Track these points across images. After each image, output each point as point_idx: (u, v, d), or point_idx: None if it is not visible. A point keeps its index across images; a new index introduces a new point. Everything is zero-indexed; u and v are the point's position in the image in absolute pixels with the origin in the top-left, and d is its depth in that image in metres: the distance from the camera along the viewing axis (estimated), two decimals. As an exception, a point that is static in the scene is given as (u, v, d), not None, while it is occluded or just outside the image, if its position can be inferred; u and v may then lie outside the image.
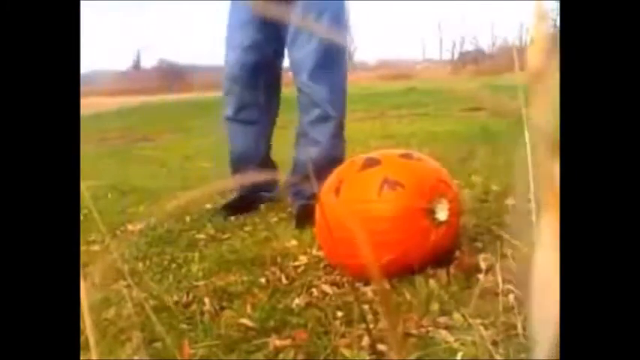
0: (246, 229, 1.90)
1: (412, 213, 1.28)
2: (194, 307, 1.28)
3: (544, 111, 0.20)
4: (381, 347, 1.01)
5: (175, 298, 1.34)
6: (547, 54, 0.19)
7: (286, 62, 2.06)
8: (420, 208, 1.29)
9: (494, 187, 2.05)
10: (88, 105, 9.86)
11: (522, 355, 0.93)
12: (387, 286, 1.23)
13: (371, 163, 1.35)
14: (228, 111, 2.08)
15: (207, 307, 1.26)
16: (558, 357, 0.21)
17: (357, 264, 1.29)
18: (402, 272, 1.28)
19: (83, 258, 1.64)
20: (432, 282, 1.25)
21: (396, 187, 1.29)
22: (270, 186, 2.20)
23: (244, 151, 2.12)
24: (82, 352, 0.53)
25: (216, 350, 1.07)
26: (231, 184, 1.52)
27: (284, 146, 2.24)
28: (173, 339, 1.11)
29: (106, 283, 1.44)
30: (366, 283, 1.29)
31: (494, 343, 0.97)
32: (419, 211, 1.29)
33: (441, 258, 1.34)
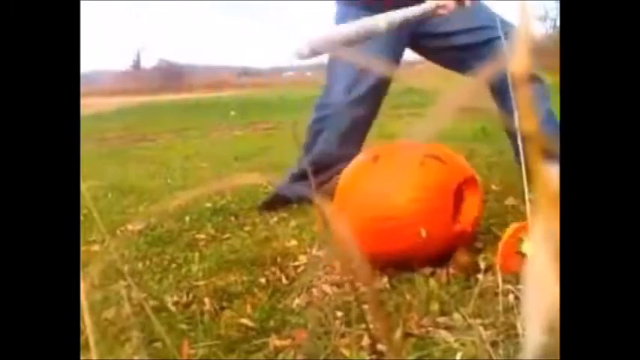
0: (246, 229, 1.90)
1: (447, 190, 1.32)
2: (194, 307, 1.28)
3: (529, 114, 0.20)
4: (380, 347, 1.01)
5: (175, 298, 1.34)
6: (531, 56, 0.19)
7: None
8: (454, 189, 1.33)
9: (494, 187, 2.05)
10: (87, 105, 9.86)
11: (522, 355, 0.93)
12: (379, 287, 1.23)
13: (412, 144, 1.39)
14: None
15: (207, 307, 1.26)
16: (556, 356, 0.21)
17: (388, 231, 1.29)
18: (418, 254, 1.30)
19: (83, 258, 1.64)
20: (432, 282, 1.25)
21: (438, 160, 1.34)
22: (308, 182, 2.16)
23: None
24: (82, 352, 0.53)
25: (216, 350, 1.07)
26: (229, 184, 1.52)
27: (281, 147, 2.23)
28: (173, 339, 1.11)
29: (105, 283, 1.44)
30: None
31: (494, 344, 0.97)
32: (453, 192, 1.33)
33: (440, 257, 1.34)
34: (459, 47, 1.94)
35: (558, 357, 0.21)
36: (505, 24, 1.88)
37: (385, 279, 1.29)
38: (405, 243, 1.29)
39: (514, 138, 2.12)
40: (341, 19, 1.97)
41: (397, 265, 1.32)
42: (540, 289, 0.20)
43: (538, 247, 0.20)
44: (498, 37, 1.83)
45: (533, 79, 1.87)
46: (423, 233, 1.27)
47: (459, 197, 1.38)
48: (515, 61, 0.19)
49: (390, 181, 1.32)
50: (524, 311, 0.19)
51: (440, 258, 1.32)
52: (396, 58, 2.01)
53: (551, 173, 0.20)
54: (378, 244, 1.28)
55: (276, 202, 2.12)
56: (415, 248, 1.29)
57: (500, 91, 1.97)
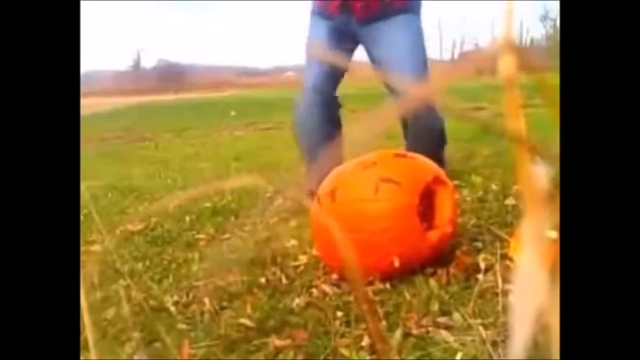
0: (246, 229, 1.90)
1: (409, 210, 1.28)
2: (194, 307, 1.28)
3: (517, 116, 0.20)
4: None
5: (175, 298, 1.34)
6: (518, 56, 0.19)
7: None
8: (417, 205, 1.29)
9: (494, 187, 2.05)
10: (87, 105, 9.85)
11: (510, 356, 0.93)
12: (369, 292, 1.23)
13: (365, 165, 1.35)
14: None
15: (207, 307, 1.26)
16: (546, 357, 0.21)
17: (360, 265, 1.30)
18: (403, 273, 1.28)
19: (83, 258, 1.64)
20: (432, 282, 1.25)
21: (392, 184, 1.29)
22: None
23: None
24: (82, 352, 0.53)
25: (216, 350, 1.07)
26: (229, 184, 1.52)
27: (281, 147, 2.23)
28: (173, 339, 1.11)
29: (105, 283, 1.44)
30: (368, 283, 1.29)
31: (494, 344, 0.97)
32: (416, 208, 1.29)
33: (441, 257, 1.34)
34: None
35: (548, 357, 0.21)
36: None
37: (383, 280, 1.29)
38: (382, 265, 1.26)
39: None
40: (313, 31, 2.25)
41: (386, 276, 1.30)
42: (528, 292, 0.20)
43: (526, 249, 0.20)
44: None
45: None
46: (397, 263, 1.24)
47: (431, 200, 1.36)
48: (503, 63, 0.19)
49: (349, 219, 1.27)
50: (512, 313, 0.20)
51: (405, 263, 1.31)
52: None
53: (538, 174, 0.20)
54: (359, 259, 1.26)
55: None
56: (394, 270, 1.27)
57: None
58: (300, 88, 2.22)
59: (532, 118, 0.50)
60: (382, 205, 1.28)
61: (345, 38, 2.17)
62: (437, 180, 1.36)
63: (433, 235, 1.32)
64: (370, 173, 1.32)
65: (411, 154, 1.45)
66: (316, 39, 2.21)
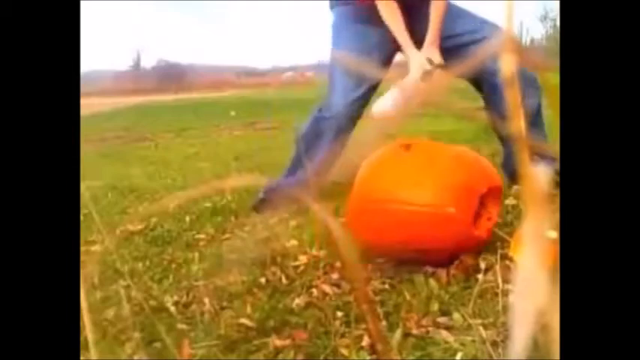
0: (246, 229, 1.90)
1: (477, 192, 1.33)
2: (194, 307, 1.28)
3: (518, 115, 0.20)
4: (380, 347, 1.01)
5: (175, 298, 1.34)
6: (520, 57, 0.19)
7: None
8: (483, 193, 1.34)
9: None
10: (87, 105, 9.85)
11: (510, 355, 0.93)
12: (369, 292, 1.23)
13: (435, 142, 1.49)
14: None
15: (207, 307, 1.26)
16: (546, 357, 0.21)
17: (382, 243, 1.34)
18: (439, 250, 1.31)
19: (83, 258, 1.64)
20: (432, 282, 1.25)
21: (469, 162, 1.37)
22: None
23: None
24: (82, 352, 0.53)
25: (216, 350, 1.07)
26: (229, 184, 1.53)
27: (281, 147, 2.22)
28: (173, 339, 1.11)
29: (105, 283, 1.44)
30: (368, 283, 1.29)
31: (494, 344, 0.97)
32: (480, 196, 1.33)
33: (477, 250, 1.35)
34: (445, 50, 1.95)
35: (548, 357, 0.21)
36: (492, 27, 1.93)
37: (383, 280, 1.29)
38: (427, 233, 1.29)
39: (505, 143, 2.14)
40: (337, 30, 2.09)
41: (412, 260, 1.32)
42: (528, 292, 0.20)
43: (526, 249, 0.20)
44: (482, 40, 1.88)
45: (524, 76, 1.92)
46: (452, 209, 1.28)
47: (481, 204, 1.38)
48: (504, 61, 0.19)
49: (423, 169, 1.34)
50: (512, 313, 0.20)
51: (451, 257, 1.32)
52: (388, 59, 2.07)
53: (539, 174, 0.20)
54: (400, 233, 1.30)
55: (266, 206, 2.10)
56: (434, 240, 1.29)
57: (491, 95, 1.97)
58: (321, 104, 2.05)
59: (532, 118, 0.50)
60: (458, 172, 1.34)
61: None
62: (494, 190, 1.39)
63: (476, 232, 1.34)
64: (448, 147, 1.43)
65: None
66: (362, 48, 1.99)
